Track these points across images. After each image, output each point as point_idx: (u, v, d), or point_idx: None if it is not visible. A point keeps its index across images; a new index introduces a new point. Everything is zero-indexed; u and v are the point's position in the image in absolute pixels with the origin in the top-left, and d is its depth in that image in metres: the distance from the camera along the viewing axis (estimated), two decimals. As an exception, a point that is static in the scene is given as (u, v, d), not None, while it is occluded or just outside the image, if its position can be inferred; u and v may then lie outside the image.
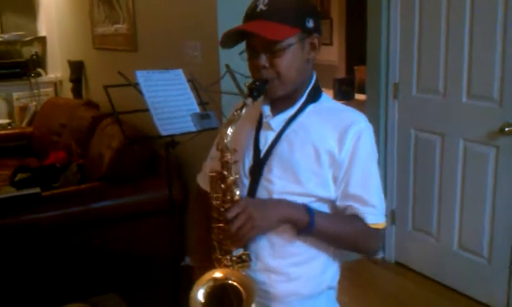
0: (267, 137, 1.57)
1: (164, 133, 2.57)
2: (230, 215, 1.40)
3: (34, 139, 5.51)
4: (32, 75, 6.56)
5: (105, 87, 2.76)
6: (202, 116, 2.69)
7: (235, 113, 1.46)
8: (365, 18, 3.89)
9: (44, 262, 3.31)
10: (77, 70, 5.98)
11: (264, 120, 1.58)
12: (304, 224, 1.46)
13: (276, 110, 1.57)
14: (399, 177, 3.79)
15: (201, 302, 1.46)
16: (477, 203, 3.30)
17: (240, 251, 1.50)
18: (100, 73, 5.42)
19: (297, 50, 1.48)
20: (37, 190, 3.36)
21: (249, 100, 1.46)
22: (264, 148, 1.56)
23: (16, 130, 6.03)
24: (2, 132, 5.87)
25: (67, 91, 6.41)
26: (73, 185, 3.89)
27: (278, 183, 1.52)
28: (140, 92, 2.62)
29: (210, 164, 1.72)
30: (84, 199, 3.47)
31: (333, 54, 7.50)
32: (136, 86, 2.66)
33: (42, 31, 6.87)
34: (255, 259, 1.53)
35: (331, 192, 1.54)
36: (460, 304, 3.43)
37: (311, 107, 1.57)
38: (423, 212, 3.69)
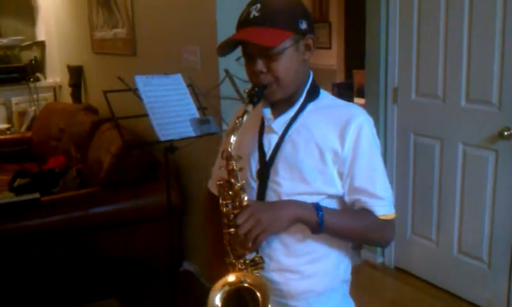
0: (270, 140, 1.59)
1: (163, 138, 2.57)
2: (239, 221, 1.41)
3: (33, 144, 5.51)
4: (31, 79, 6.56)
5: (105, 92, 2.76)
6: (201, 121, 2.69)
7: (237, 121, 1.47)
8: (363, 22, 3.89)
9: (43, 267, 3.31)
10: (76, 74, 5.98)
11: (266, 124, 1.60)
12: (314, 223, 1.48)
13: (277, 112, 1.59)
14: (398, 181, 3.79)
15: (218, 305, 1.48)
16: (477, 208, 3.30)
17: (253, 255, 1.51)
18: (99, 78, 5.42)
19: (292, 52, 1.50)
20: (36, 195, 3.36)
21: (249, 107, 1.48)
22: (268, 151, 1.58)
23: (16, 135, 6.02)
24: (1, 137, 5.86)
25: (66, 96, 6.41)
26: (72, 190, 3.89)
27: (286, 185, 1.54)
28: (139, 97, 2.62)
29: (218, 172, 1.72)
30: (83, 204, 3.47)
31: (331, 58, 7.51)
32: (135, 91, 2.66)
33: (41, 36, 6.87)
34: (269, 260, 1.55)
35: (339, 189, 1.55)
36: (460, 308, 3.43)
37: (311, 106, 1.59)
38: (422, 216, 3.69)
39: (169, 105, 2.66)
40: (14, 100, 6.63)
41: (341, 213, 1.58)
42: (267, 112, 1.59)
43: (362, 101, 4.35)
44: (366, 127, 1.54)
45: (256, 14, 1.46)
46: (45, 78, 6.88)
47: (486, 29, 3.09)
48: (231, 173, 1.48)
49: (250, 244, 1.43)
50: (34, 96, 6.54)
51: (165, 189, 2.81)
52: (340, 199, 1.58)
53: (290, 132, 1.57)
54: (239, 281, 1.48)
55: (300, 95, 1.59)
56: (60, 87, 6.84)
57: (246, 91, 1.53)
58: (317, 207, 1.48)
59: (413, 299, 3.60)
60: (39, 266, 3.30)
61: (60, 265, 3.36)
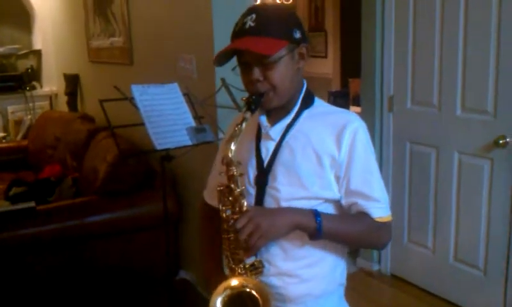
0: (268, 147, 1.62)
1: (159, 147, 2.57)
2: (238, 225, 1.43)
3: (29, 153, 5.50)
4: (28, 88, 6.55)
5: (101, 101, 2.76)
6: (198, 130, 2.70)
7: (237, 128, 1.50)
8: (359, 31, 3.91)
9: (39, 276, 3.30)
10: (72, 83, 5.97)
11: (263, 131, 1.63)
12: (312, 229, 1.50)
13: (273, 120, 1.62)
14: (394, 189, 3.80)
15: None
16: (473, 215, 3.31)
17: (252, 259, 1.53)
18: (95, 87, 5.42)
19: (288, 61, 1.53)
20: (32, 204, 3.35)
21: (248, 114, 1.51)
22: (266, 157, 1.61)
23: (11, 144, 6.02)
24: (-3, 145, 5.86)
25: (62, 105, 6.40)
26: (68, 198, 3.88)
27: (284, 190, 1.56)
28: (135, 106, 2.62)
29: (216, 179, 1.74)
30: (79, 213, 3.46)
31: (327, 66, 7.53)
32: (131, 100, 2.66)
33: (37, 44, 6.87)
34: (268, 265, 1.57)
35: (335, 193, 1.58)
36: (456, 316, 3.43)
37: (306, 113, 1.63)
38: (418, 224, 3.69)
39: (165, 114, 2.67)
40: (10, 108, 6.62)
41: (338, 218, 1.60)
42: (264, 120, 1.62)
43: (358, 109, 4.36)
44: (361, 132, 1.58)
45: (252, 24, 1.49)
46: (41, 86, 6.88)
47: (481, 37, 3.10)
48: (231, 178, 1.50)
49: (249, 249, 1.45)
50: (30, 104, 6.54)
51: (161, 198, 2.81)
52: (337, 203, 1.61)
53: (287, 138, 1.60)
54: (241, 286, 1.50)
55: (295, 103, 1.62)
56: (56, 95, 6.83)
57: (244, 99, 1.55)
58: (315, 213, 1.50)
59: (409, 306, 3.61)
60: (35, 275, 3.28)
61: (56, 274, 3.34)
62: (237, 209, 1.50)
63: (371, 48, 3.80)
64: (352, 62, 5.06)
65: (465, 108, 3.28)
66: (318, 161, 1.55)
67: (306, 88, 1.65)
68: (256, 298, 1.47)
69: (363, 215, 1.58)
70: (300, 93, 1.63)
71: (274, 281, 1.58)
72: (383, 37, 3.73)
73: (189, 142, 2.66)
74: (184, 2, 3.40)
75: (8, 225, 3.23)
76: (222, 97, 2.96)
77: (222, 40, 3.00)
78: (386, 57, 3.73)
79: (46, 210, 3.45)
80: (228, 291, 1.50)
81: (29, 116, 6.49)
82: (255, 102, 1.52)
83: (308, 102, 1.64)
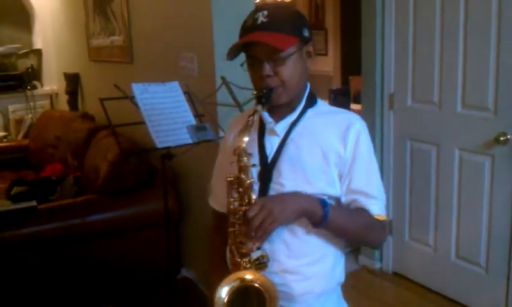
0: (272, 143, 1.63)
1: (160, 145, 2.57)
2: (251, 214, 1.44)
3: (30, 152, 5.50)
4: (28, 87, 6.56)
5: (101, 100, 2.76)
6: (198, 128, 2.69)
7: (249, 120, 1.52)
8: (360, 29, 3.90)
9: (41, 275, 3.30)
10: (72, 82, 5.98)
11: (269, 127, 1.64)
12: (319, 216, 1.51)
13: (278, 116, 1.64)
14: (395, 187, 3.80)
15: (224, 300, 1.49)
16: (474, 213, 3.31)
17: (258, 253, 1.53)
18: (96, 86, 5.42)
19: (297, 58, 1.57)
20: (33, 203, 3.36)
21: (259, 107, 1.54)
22: (270, 153, 1.63)
23: (12, 143, 6.02)
24: (-2, 144, 5.87)
25: (63, 104, 6.41)
26: (69, 197, 3.88)
27: (290, 186, 1.57)
28: (136, 105, 2.62)
29: (219, 183, 1.76)
30: (80, 212, 3.46)
31: (328, 64, 7.53)
32: (132, 99, 2.66)
33: (38, 44, 6.88)
34: (272, 261, 1.57)
35: (337, 190, 1.62)
36: (458, 313, 3.44)
37: (310, 112, 1.66)
38: (420, 222, 3.69)
39: (166, 113, 2.67)
40: (11, 107, 6.63)
41: (342, 210, 1.64)
42: (267, 115, 1.63)
43: (359, 107, 4.36)
44: (364, 132, 1.63)
45: (264, 20, 1.52)
46: (42, 86, 6.89)
47: (481, 35, 3.10)
48: (243, 168, 1.51)
49: (260, 235, 1.46)
50: (31, 104, 6.54)
51: (162, 196, 2.81)
52: (337, 200, 1.64)
53: (292, 134, 1.62)
54: (251, 280, 1.50)
55: (300, 101, 1.65)
56: (57, 94, 6.84)
57: (254, 93, 1.58)
58: (322, 202, 1.53)
59: (411, 304, 3.60)
60: (36, 274, 3.29)
61: (57, 273, 3.35)
62: (246, 201, 1.51)
63: (371, 46, 3.80)
64: (353, 60, 5.06)
65: (466, 105, 3.28)
66: (324, 158, 1.58)
67: (310, 89, 1.69)
68: (264, 296, 1.47)
69: (363, 211, 1.62)
70: (304, 92, 1.66)
71: (277, 278, 1.58)
72: (383, 35, 3.72)
73: (190, 141, 2.66)
74: (184, 0, 3.40)
75: (10, 224, 3.23)
76: (222, 95, 2.96)
77: (222, 38, 3.00)
78: (386, 54, 3.73)
79: (47, 209, 3.46)
80: (237, 283, 1.50)
81: (30, 115, 6.50)
82: (266, 96, 1.54)
83: (312, 101, 1.68)
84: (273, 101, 1.57)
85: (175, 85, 2.81)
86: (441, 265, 3.57)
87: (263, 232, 1.45)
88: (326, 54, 7.55)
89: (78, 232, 3.38)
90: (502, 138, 3.06)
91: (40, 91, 6.78)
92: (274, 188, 1.59)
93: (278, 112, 1.64)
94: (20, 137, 6.42)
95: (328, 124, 1.63)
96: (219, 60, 3.03)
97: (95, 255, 3.46)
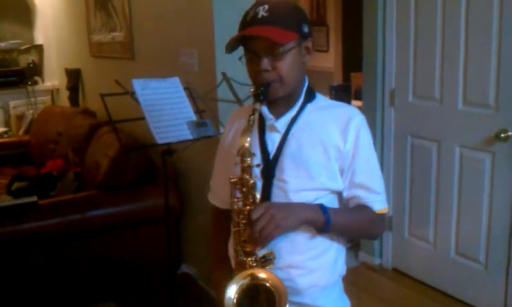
0: (273, 139, 1.64)
1: (160, 141, 2.57)
2: (254, 215, 1.44)
3: (31, 148, 5.50)
4: (29, 83, 6.55)
5: (102, 95, 2.76)
6: (199, 124, 2.70)
7: (250, 119, 1.52)
8: (361, 25, 3.90)
9: (41, 270, 3.31)
10: (74, 78, 5.98)
11: (269, 123, 1.64)
12: (321, 223, 1.53)
13: (278, 112, 1.64)
14: (395, 183, 3.80)
15: (233, 300, 1.49)
16: (474, 209, 3.31)
17: (264, 251, 1.54)
18: (97, 81, 5.42)
19: (296, 53, 1.57)
20: (34, 198, 3.36)
21: (257, 105, 1.54)
22: (272, 149, 1.63)
23: (13, 139, 6.02)
24: (-1, 140, 5.87)
25: (64, 99, 6.41)
26: (70, 193, 3.89)
27: (293, 182, 1.58)
28: (136, 100, 2.62)
29: (219, 180, 1.78)
30: (80, 208, 3.47)
31: (329, 60, 7.51)
32: (132, 94, 2.66)
33: (39, 39, 6.88)
34: (277, 258, 1.57)
35: (339, 184, 1.62)
36: (457, 310, 3.44)
37: (309, 106, 1.66)
38: (420, 218, 3.70)
39: (166, 108, 2.67)
40: (12, 103, 6.63)
41: (344, 211, 1.65)
42: (267, 111, 1.63)
43: (359, 103, 4.36)
44: (364, 126, 1.64)
45: (265, 14, 1.52)
46: (43, 81, 6.89)
47: (482, 31, 3.10)
48: (246, 169, 1.51)
49: (263, 239, 1.46)
50: (32, 99, 6.55)
51: (163, 192, 2.81)
52: (339, 195, 1.65)
53: (293, 130, 1.62)
54: (264, 279, 1.49)
55: (299, 96, 1.65)
56: (58, 90, 6.84)
57: (252, 91, 1.58)
58: (322, 208, 1.54)
59: (411, 301, 3.61)
60: (36, 269, 3.30)
61: (58, 268, 3.36)
62: (250, 200, 1.51)
63: (373, 42, 3.80)
64: (354, 56, 5.06)
65: (467, 102, 3.28)
66: (324, 153, 1.58)
67: (308, 83, 1.69)
68: (274, 296, 1.47)
69: (364, 208, 1.63)
70: (303, 87, 1.67)
71: (282, 273, 1.57)
72: (385, 31, 3.72)
73: (190, 137, 2.66)
74: (185, -4, 3.41)
75: (10, 219, 3.24)
76: (223, 91, 2.96)
77: (223, 34, 3.00)
78: (387, 51, 3.73)
79: (48, 205, 3.46)
80: (249, 280, 1.50)
81: (31, 111, 6.50)
82: (263, 93, 1.55)
83: (310, 96, 1.68)
84: (270, 95, 1.57)
85: (176, 81, 2.81)
86: (440, 261, 3.58)
87: (265, 238, 1.46)
88: (327, 51, 7.54)
89: (78, 228, 3.39)
90: (502, 135, 3.05)
91: (41, 86, 6.78)
92: (277, 185, 1.60)
93: (278, 109, 1.64)
94: (21, 132, 6.43)
95: (327, 118, 1.64)
96: (219, 56, 3.04)
97: (95, 251, 3.47)
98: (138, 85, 2.63)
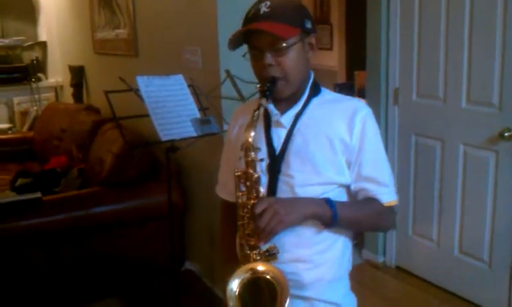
0: (279, 135, 1.64)
1: (164, 138, 2.58)
2: (257, 210, 1.45)
3: (35, 144, 5.52)
4: (33, 80, 6.57)
5: (106, 92, 2.77)
6: (202, 121, 2.70)
7: (254, 114, 1.52)
8: (365, 24, 3.90)
9: (45, 266, 3.32)
10: (77, 74, 5.99)
11: (274, 119, 1.64)
12: (328, 217, 1.53)
13: (282, 108, 1.64)
14: (399, 182, 3.79)
15: (235, 292, 1.50)
16: (478, 208, 3.31)
17: (267, 245, 1.54)
18: (100, 78, 5.43)
19: (299, 48, 1.57)
20: (38, 195, 3.37)
21: (263, 101, 1.54)
22: (278, 145, 1.63)
23: (17, 135, 6.04)
24: (3, 136, 5.88)
25: (68, 96, 6.42)
26: (73, 189, 3.90)
27: (299, 177, 1.58)
28: (141, 97, 2.63)
29: (227, 173, 1.77)
30: (84, 204, 3.47)
31: (333, 59, 7.50)
32: (136, 91, 2.67)
33: (43, 36, 6.89)
34: (283, 252, 1.57)
35: (347, 178, 1.62)
36: (460, 308, 3.44)
37: (315, 101, 1.66)
38: (423, 216, 3.69)
39: (170, 106, 2.68)
40: (16, 100, 6.66)
41: (350, 205, 1.65)
42: (272, 107, 1.63)
43: (363, 102, 4.35)
44: (370, 118, 1.63)
45: (267, 10, 1.53)
46: (47, 78, 6.91)
47: (486, 30, 3.09)
48: (250, 163, 1.51)
49: (266, 234, 1.46)
50: (36, 96, 6.56)
51: (166, 189, 2.82)
52: (347, 188, 1.65)
53: (298, 125, 1.62)
54: (263, 272, 1.50)
55: (304, 91, 1.65)
56: (61, 87, 6.86)
57: (258, 87, 1.59)
58: (328, 202, 1.54)
59: (414, 298, 3.61)
60: (40, 265, 3.31)
61: (62, 265, 3.36)
62: (254, 195, 1.52)
63: (377, 41, 3.79)
64: (358, 55, 5.04)
65: (470, 100, 3.27)
66: (331, 147, 1.58)
67: (313, 78, 1.69)
68: (275, 288, 1.47)
69: (373, 201, 1.64)
70: (308, 82, 1.67)
71: (288, 267, 1.58)
72: (389, 29, 3.72)
73: (194, 134, 2.66)
74: (189, -7, 3.41)
75: (14, 215, 3.25)
76: (227, 89, 2.96)
77: (227, 31, 2.98)
78: (391, 49, 3.72)
79: (52, 201, 3.47)
80: (249, 274, 1.50)
81: (35, 108, 6.51)
82: (270, 89, 1.55)
83: (316, 91, 1.68)
84: (276, 95, 1.58)
85: (180, 78, 2.82)
86: (444, 259, 3.57)
87: (268, 232, 1.46)
88: (331, 49, 7.53)
89: (82, 224, 3.40)
90: (506, 134, 3.05)
91: (44, 83, 6.80)
92: (283, 180, 1.60)
93: (283, 104, 1.64)
94: (25, 129, 6.44)
95: (333, 112, 1.63)
96: (223, 53, 3.04)
97: (99, 247, 3.47)
98: (142, 82, 2.64)
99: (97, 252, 3.46)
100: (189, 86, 2.85)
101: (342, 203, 1.60)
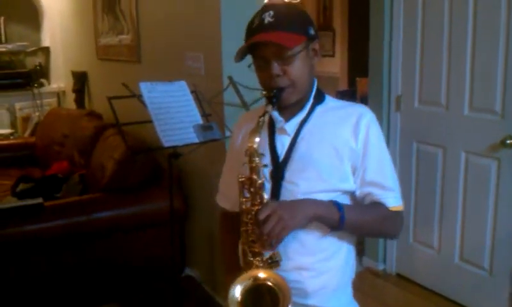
0: (283, 142, 1.64)
1: (166, 144, 2.58)
2: (261, 216, 1.44)
3: (37, 149, 5.52)
4: (36, 85, 6.58)
5: (109, 98, 2.77)
6: (205, 128, 2.70)
7: (260, 120, 1.53)
8: (367, 31, 3.90)
9: (46, 272, 3.32)
10: (80, 80, 6.00)
11: (279, 126, 1.65)
12: (335, 219, 1.53)
13: (287, 115, 1.65)
14: (400, 189, 3.78)
15: (237, 299, 1.49)
16: (479, 216, 3.30)
17: (270, 252, 1.53)
18: (103, 84, 5.44)
19: (304, 56, 1.58)
20: (39, 200, 3.37)
21: (269, 108, 1.55)
22: (282, 152, 1.63)
23: (19, 140, 6.04)
24: (5, 142, 5.88)
25: (70, 102, 6.43)
26: (75, 195, 3.90)
27: (303, 184, 1.58)
28: (143, 103, 2.63)
29: (228, 183, 1.78)
30: (86, 210, 3.47)
31: (335, 65, 7.52)
32: (139, 97, 2.67)
33: (46, 42, 6.91)
34: (286, 260, 1.57)
35: (351, 184, 1.63)
36: (462, 316, 3.43)
37: (319, 108, 1.67)
38: (424, 224, 3.69)
39: (173, 112, 2.68)
40: (18, 105, 6.66)
41: (358, 208, 1.65)
42: (277, 114, 1.63)
43: (365, 109, 4.35)
44: (374, 123, 1.65)
45: (271, 20, 1.53)
46: (49, 84, 6.91)
47: (489, 37, 3.10)
48: (254, 169, 1.51)
49: (271, 242, 1.46)
50: (38, 101, 6.57)
51: (168, 195, 2.82)
52: (352, 195, 1.65)
53: (303, 133, 1.63)
54: (265, 279, 1.50)
55: (308, 99, 1.66)
56: (64, 92, 6.87)
57: (264, 93, 1.59)
58: (336, 204, 1.54)
59: (415, 306, 3.60)
60: (41, 271, 3.30)
61: (62, 270, 3.36)
62: (258, 200, 1.51)
63: (379, 48, 3.80)
64: (360, 62, 5.06)
65: (473, 108, 3.27)
66: (336, 154, 1.59)
67: (317, 86, 1.69)
68: (277, 295, 1.47)
69: (379, 205, 1.63)
70: (312, 90, 1.67)
71: (292, 275, 1.58)
72: (391, 36, 3.72)
73: (196, 140, 2.67)
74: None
75: (16, 221, 3.25)
76: (229, 95, 2.96)
77: (230, 38, 3.01)
78: (394, 56, 3.73)
79: (53, 207, 3.47)
80: (251, 281, 1.50)
81: (37, 113, 6.52)
82: (277, 96, 1.55)
83: (319, 98, 1.68)
84: (283, 102, 1.58)
85: (183, 84, 2.82)
86: (445, 267, 3.57)
87: (274, 238, 1.45)
88: (333, 55, 7.55)
89: (83, 230, 3.39)
90: (508, 141, 3.05)
91: (46, 88, 6.81)
92: (287, 187, 1.60)
93: (287, 111, 1.64)
94: (26, 134, 6.44)
95: (337, 119, 1.64)
96: (226, 59, 3.04)
97: (100, 253, 3.47)
98: (145, 88, 2.64)
99: (98, 257, 3.45)
100: (192, 92, 2.85)
101: (349, 205, 1.61)
